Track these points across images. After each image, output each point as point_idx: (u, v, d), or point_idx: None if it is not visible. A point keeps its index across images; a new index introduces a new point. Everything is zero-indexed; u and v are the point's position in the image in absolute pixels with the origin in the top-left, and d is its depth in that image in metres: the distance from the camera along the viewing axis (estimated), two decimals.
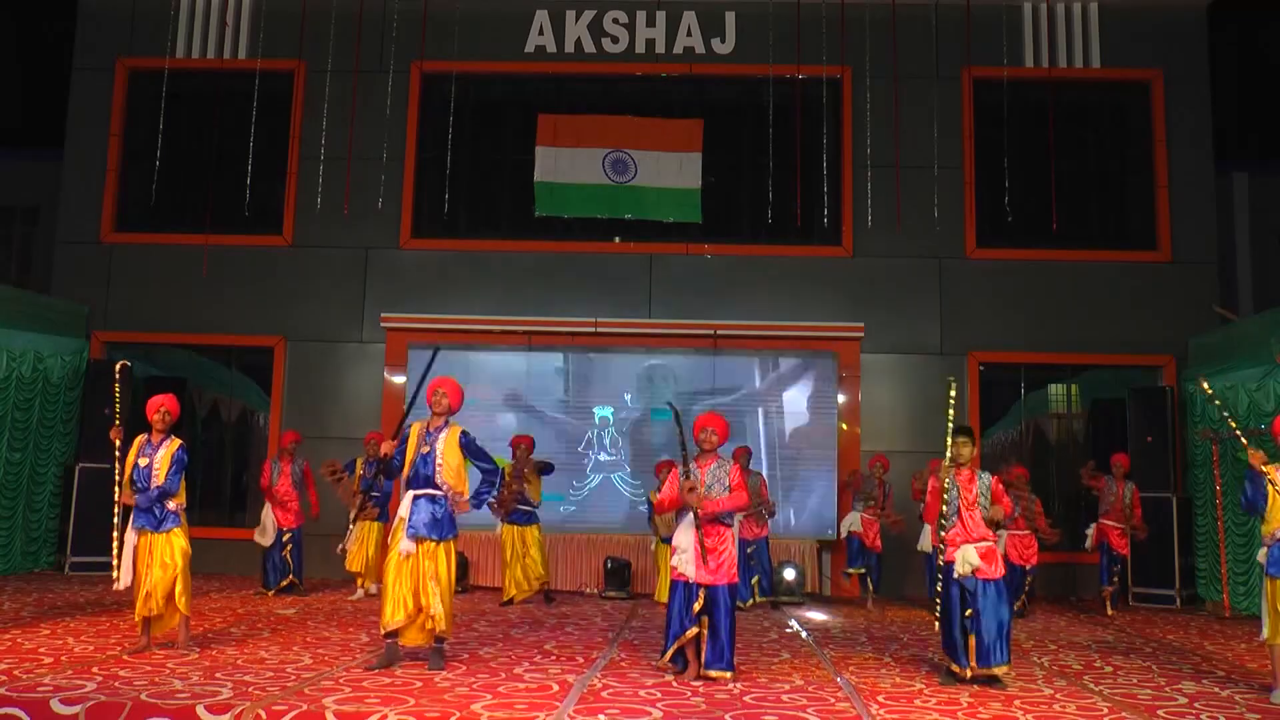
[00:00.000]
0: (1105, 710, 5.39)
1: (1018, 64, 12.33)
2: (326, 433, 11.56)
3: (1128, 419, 11.46)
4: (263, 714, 4.79)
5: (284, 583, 9.98)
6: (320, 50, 12.31)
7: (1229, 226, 14.11)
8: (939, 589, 6.19)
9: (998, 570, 6.08)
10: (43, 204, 14.47)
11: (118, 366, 6.95)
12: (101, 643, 6.71)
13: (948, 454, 6.20)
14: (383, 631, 6.17)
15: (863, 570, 10.36)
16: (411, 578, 6.08)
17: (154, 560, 6.53)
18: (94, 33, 12.93)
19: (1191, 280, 12.06)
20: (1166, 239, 12.17)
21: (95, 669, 5.75)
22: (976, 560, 6.03)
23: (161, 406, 6.81)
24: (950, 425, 6.34)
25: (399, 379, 11.84)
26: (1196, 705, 5.60)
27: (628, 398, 11.89)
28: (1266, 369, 10.05)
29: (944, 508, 6.15)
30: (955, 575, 6.05)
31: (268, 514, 10.15)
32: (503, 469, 10.06)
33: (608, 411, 11.84)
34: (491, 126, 12.85)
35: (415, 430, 6.29)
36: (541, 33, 12.72)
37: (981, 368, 12.07)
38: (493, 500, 9.98)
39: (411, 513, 6.14)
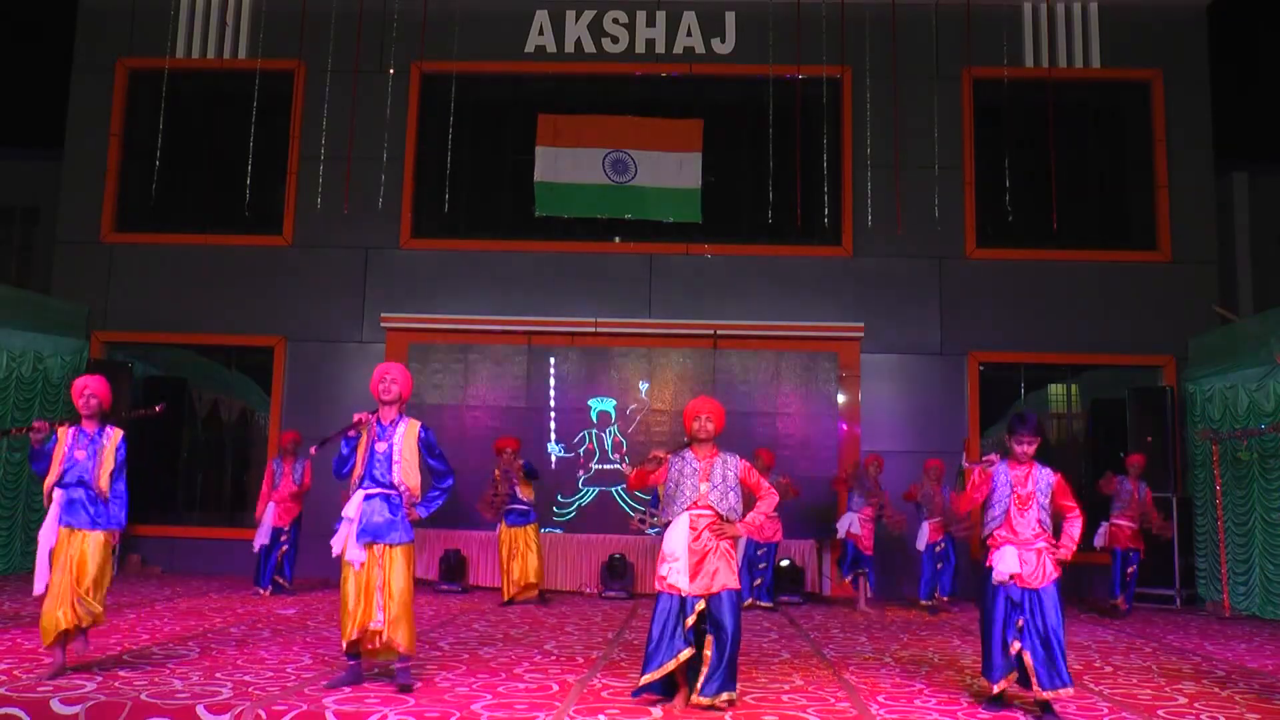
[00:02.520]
0: (1105, 710, 5.39)
1: (1018, 64, 12.34)
2: (327, 433, 11.54)
3: (1128, 419, 11.46)
4: (263, 714, 4.79)
5: (270, 587, 9.96)
6: (320, 50, 12.32)
7: (1229, 226, 14.12)
8: (987, 595, 5.40)
9: (1045, 577, 5.27)
10: (43, 204, 14.48)
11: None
12: (101, 643, 6.70)
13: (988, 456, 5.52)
14: (344, 650, 5.51)
15: (863, 572, 10.30)
16: (367, 589, 5.37)
17: (75, 561, 5.61)
18: (94, 33, 12.93)
19: (1191, 280, 12.07)
20: (1166, 239, 12.17)
21: (95, 669, 5.75)
22: (1015, 565, 5.26)
23: (85, 390, 5.82)
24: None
25: None
26: (1196, 705, 5.59)
27: (641, 391, 11.85)
28: (1266, 369, 10.05)
29: (991, 507, 5.41)
30: (994, 581, 5.30)
31: (267, 515, 10.14)
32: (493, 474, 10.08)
33: (609, 405, 11.82)
34: (491, 126, 12.86)
35: (365, 427, 5.56)
36: (541, 33, 12.72)
37: (981, 368, 12.07)
38: (491, 500, 10.00)
39: (362, 514, 5.44)
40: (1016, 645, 5.22)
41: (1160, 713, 5.39)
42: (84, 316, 12.25)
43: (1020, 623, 5.24)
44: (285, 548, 10.09)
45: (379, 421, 5.57)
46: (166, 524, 12.15)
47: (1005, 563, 5.29)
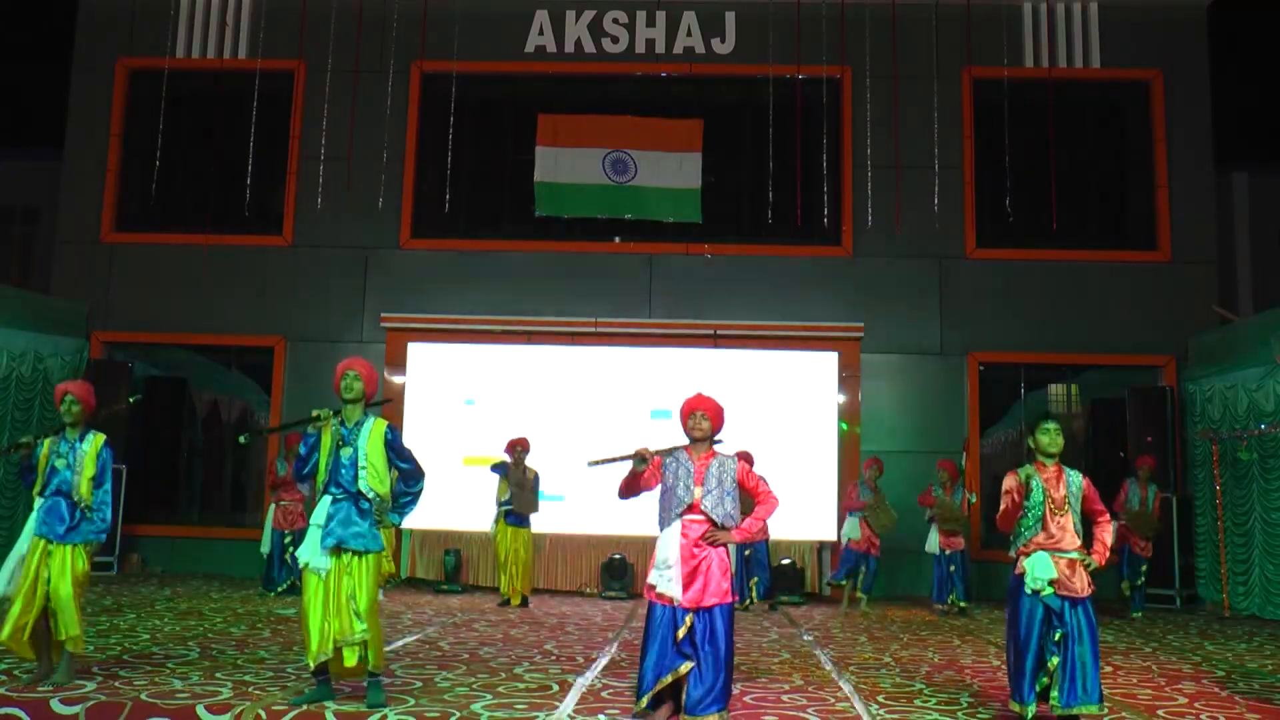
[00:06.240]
0: (1105, 711, 5.38)
1: (1018, 64, 12.33)
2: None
3: (1128, 419, 11.46)
4: (262, 714, 4.79)
5: (284, 586, 9.98)
6: (320, 50, 12.31)
7: (1229, 226, 14.11)
8: (1016, 609, 5.01)
9: (1086, 588, 4.92)
10: (43, 204, 14.48)
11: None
12: (101, 643, 6.71)
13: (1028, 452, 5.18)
14: (310, 666, 5.07)
15: (845, 581, 10.19)
16: (336, 600, 4.96)
17: (50, 576, 5.37)
18: (94, 33, 12.93)
19: (1191, 280, 12.06)
20: (1166, 239, 12.17)
21: (95, 669, 5.75)
22: (1053, 571, 4.87)
23: (67, 394, 5.60)
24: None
25: (399, 379, 11.84)
26: (1196, 705, 5.60)
27: (634, 396, 11.85)
28: (1266, 369, 10.05)
29: (1024, 515, 5.04)
30: (1027, 590, 4.91)
31: (269, 519, 10.16)
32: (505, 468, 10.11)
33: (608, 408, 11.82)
34: (491, 126, 12.85)
35: (326, 424, 5.18)
36: (541, 33, 12.72)
37: (981, 368, 12.07)
38: (517, 505, 9.97)
39: (329, 519, 5.04)
40: (1055, 660, 4.81)
41: (1160, 713, 5.39)
42: (84, 316, 12.24)
43: (1059, 636, 4.82)
44: (291, 550, 10.07)
45: (343, 424, 5.18)
46: (166, 524, 12.15)
47: (1041, 569, 4.89)
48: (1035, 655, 4.86)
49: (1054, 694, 4.79)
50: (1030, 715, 4.85)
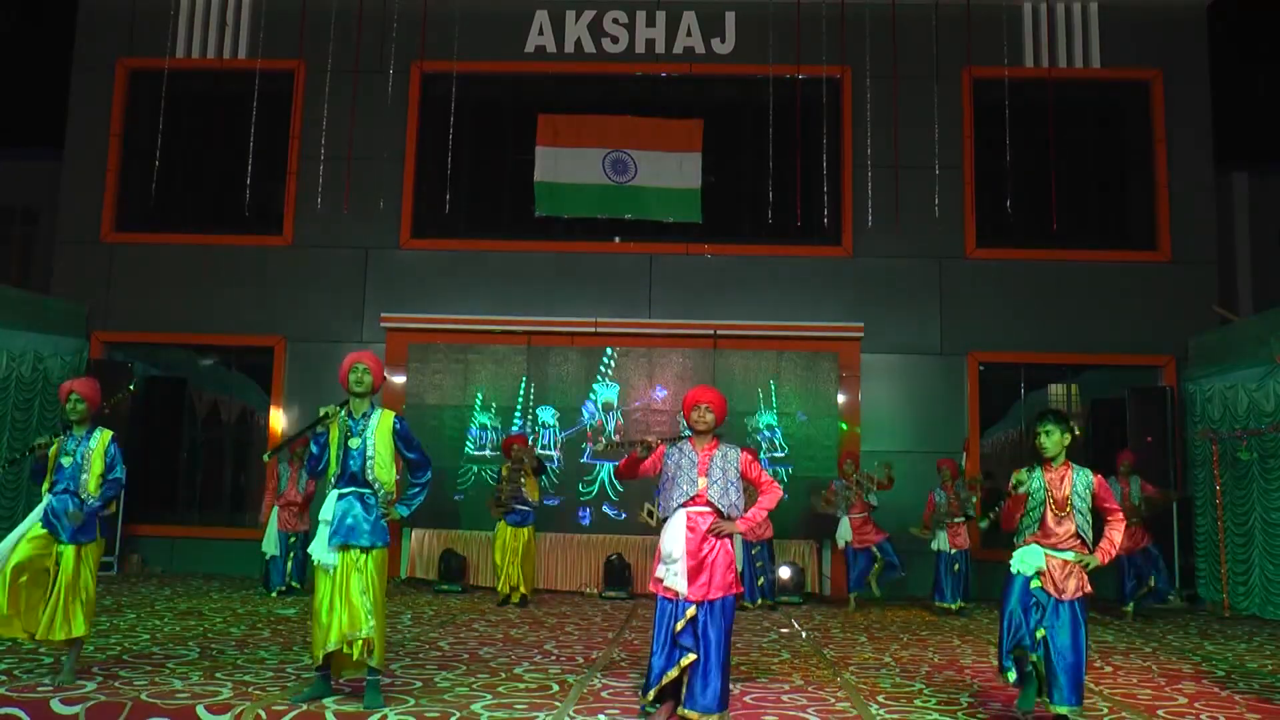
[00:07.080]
0: (1105, 710, 5.39)
1: (1018, 64, 12.33)
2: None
3: (1128, 419, 11.46)
4: (263, 714, 4.79)
5: (283, 587, 9.97)
6: (320, 50, 12.31)
7: (1229, 226, 14.11)
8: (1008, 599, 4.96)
9: (1076, 590, 4.85)
10: (43, 204, 14.47)
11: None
12: (101, 643, 6.72)
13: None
14: (313, 662, 5.18)
15: (870, 580, 10.28)
16: (345, 597, 4.99)
17: (58, 573, 5.42)
18: (94, 33, 12.93)
19: (1191, 280, 12.06)
20: (1166, 239, 12.17)
21: (95, 669, 5.75)
22: (1041, 562, 4.85)
23: (71, 392, 5.65)
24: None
25: (399, 379, 11.84)
26: (1196, 705, 5.60)
27: (633, 397, 11.88)
28: (1266, 369, 10.05)
29: (1026, 514, 5.00)
30: (1014, 571, 4.92)
31: (273, 521, 10.16)
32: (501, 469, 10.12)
33: (613, 392, 11.82)
34: (491, 126, 12.85)
35: (334, 420, 5.23)
36: (541, 33, 12.72)
37: (981, 368, 12.07)
38: (498, 499, 10.00)
39: (335, 515, 5.09)
40: (1036, 655, 4.78)
41: (1160, 713, 5.39)
42: (84, 316, 12.24)
43: (1040, 634, 4.79)
44: (294, 553, 10.07)
45: (350, 415, 5.24)
46: (166, 524, 12.15)
47: (1029, 556, 4.88)
48: (1017, 627, 4.82)
49: (1049, 691, 4.76)
50: (1011, 679, 4.85)
